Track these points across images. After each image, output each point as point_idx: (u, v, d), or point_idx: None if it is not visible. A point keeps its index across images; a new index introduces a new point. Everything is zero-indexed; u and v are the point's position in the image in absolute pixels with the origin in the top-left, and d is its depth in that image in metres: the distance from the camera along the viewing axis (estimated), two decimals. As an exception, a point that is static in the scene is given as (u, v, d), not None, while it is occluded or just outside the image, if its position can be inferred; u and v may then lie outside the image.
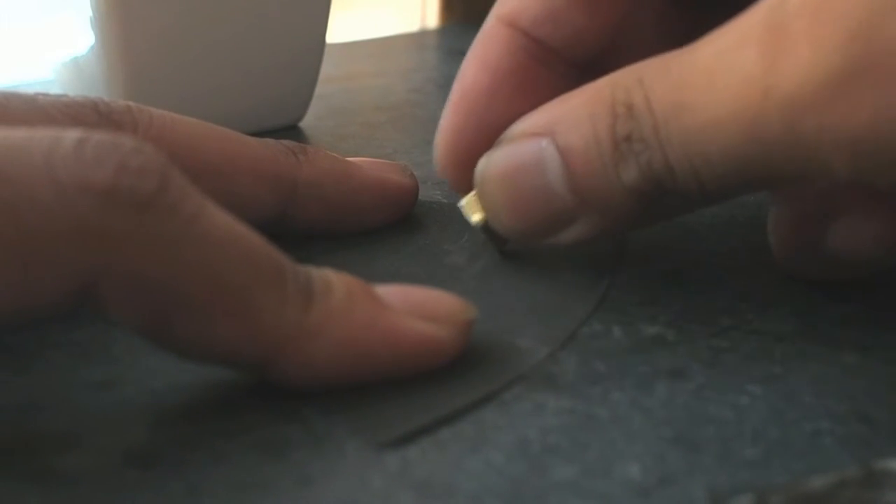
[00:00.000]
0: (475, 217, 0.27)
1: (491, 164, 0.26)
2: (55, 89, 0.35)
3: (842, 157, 0.20)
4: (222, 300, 0.20)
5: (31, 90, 0.25)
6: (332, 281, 0.22)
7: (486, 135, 0.26)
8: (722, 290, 0.26)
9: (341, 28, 0.44)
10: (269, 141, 0.28)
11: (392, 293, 0.22)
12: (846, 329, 0.25)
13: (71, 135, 0.19)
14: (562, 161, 0.24)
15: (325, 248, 0.28)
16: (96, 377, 0.22)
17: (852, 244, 0.25)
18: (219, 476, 0.19)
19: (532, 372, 0.23)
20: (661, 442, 0.21)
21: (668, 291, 0.26)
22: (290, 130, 0.38)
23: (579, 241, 0.25)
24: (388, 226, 0.29)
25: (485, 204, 0.26)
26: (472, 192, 0.27)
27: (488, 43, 0.27)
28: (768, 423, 0.21)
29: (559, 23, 0.26)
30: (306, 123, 0.38)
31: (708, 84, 0.21)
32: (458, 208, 0.27)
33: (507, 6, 0.27)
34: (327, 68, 0.39)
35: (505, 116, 0.26)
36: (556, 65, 0.27)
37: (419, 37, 0.53)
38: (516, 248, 0.28)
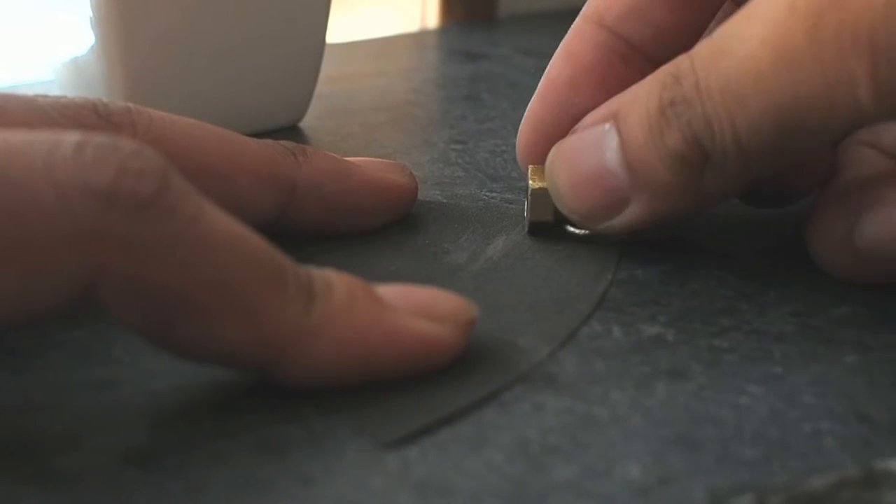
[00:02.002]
0: (534, 184, 0.28)
1: (560, 149, 0.27)
2: (55, 90, 0.35)
3: (862, 64, 0.21)
4: (223, 301, 0.20)
5: (30, 91, 0.25)
6: (334, 281, 0.22)
7: (565, 124, 0.28)
8: (722, 290, 0.26)
9: (341, 28, 0.44)
10: (268, 141, 0.28)
11: (393, 293, 0.22)
12: (846, 329, 0.25)
13: (71, 137, 0.19)
14: (619, 139, 0.25)
15: (325, 248, 0.28)
16: (96, 377, 0.22)
17: (880, 237, 0.25)
18: (219, 476, 0.19)
19: (532, 372, 0.23)
20: (661, 442, 0.21)
21: (668, 291, 0.26)
22: (290, 130, 0.37)
23: (633, 227, 0.26)
24: (388, 226, 0.29)
25: (551, 187, 0.27)
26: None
27: (574, 38, 0.29)
28: (768, 423, 0.21)
29: (641, 20, 0.28)
30: (306, 123, 0.38)
31: (745, 24, 0.23)
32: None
33: (593, 5, 0.29)
34: (327, 68, 0.38)
35: (585, 108, 0.27)
36: (637, 61, 0.28)
37: (419, 37, 0.53)
38: (545, 229, 0.29)
